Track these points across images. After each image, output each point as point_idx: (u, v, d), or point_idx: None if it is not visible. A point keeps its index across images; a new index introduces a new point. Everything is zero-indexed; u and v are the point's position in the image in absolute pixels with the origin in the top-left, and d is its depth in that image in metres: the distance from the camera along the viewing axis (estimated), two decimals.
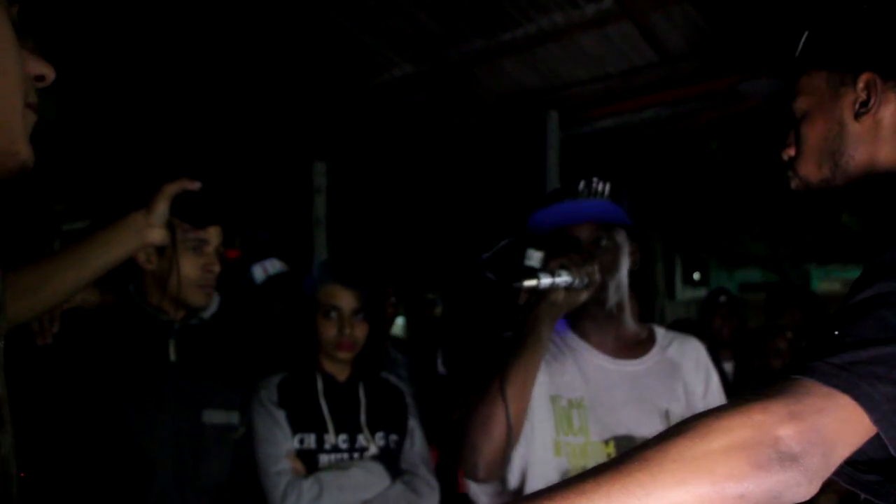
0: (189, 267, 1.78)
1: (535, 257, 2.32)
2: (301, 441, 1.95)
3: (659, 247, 11.11)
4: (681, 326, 3.49)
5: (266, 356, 2.12)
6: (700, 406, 1.73)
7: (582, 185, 1.69)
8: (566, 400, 1.69)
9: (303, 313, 2.03)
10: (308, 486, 1.87)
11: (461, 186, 5.71)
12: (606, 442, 1.66)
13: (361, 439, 1.99)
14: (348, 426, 1.98)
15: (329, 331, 1.99)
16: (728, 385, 3.52)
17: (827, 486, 0.75)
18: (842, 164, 1.12)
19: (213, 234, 1.82)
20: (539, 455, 1.64)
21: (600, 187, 1.69)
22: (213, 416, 1.82)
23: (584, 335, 1.78)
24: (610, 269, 1.67)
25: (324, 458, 1.94)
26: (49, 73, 0.77)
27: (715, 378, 1.81)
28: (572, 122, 4.02)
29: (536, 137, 4.05)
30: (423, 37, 3.65)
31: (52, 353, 1.65)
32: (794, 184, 1.19)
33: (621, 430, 1.67)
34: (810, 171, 1.15)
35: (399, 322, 5.59)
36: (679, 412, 1.70)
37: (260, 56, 3.95)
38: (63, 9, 3.18)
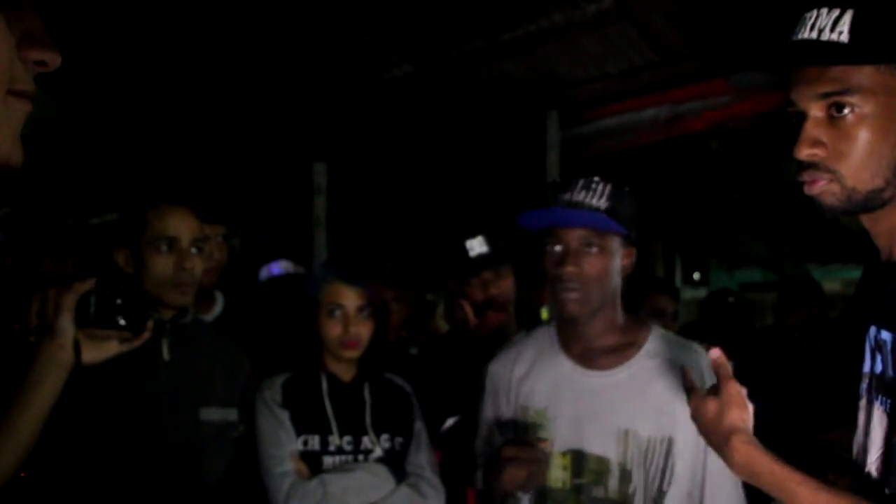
0: (160, 267, 1.73)
1: (475, 246, 2.33)
2: (305, 442, 1.93)
3: (659, 247, 11.10)
4: (688, 329, 3.48)
5: (268, 357, 2.11)
6: (688, 435, 1.52)
7: (580, 184, 1.63)
8: (533, 410, 1.71)
9: (307, 313, 2.01)
10: (312, 488, 1.85)
11: (461, 186, 5.71)
12: (564, 454, 1.65)
13: (366, 441, 1.97)
14: (353, 428, 1.96)
15: (333, 329, 1.97)
16: None
17: (830, 483, 0.75)
18: None
19: (183, 230, 1.76)
20: None
21: (599, 189, 1.63)
22: (211, 414, 1.81)
23: (562, 338, 1.75)
24: (596, 276, 1.61)
25: (328, 460, 1.93)
26: (52, 58, 0.66)
27: None
28: (572, 122, 4.02)
29: (536, 137, 4.05)
30: (423, 37, 3.65)
31: None
32: (823, 187, 1.04)
33: (575, 445, 1.64)
34: (861, 178, 1.01)
35: None
36: (648, 434, 1.60)
37: (260, 56, 3.94)
38: (63, 8, 3.17)
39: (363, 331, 1.98)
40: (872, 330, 1.08)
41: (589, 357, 1.69)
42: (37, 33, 0.66)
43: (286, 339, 2.36)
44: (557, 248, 1.62)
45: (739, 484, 1.60)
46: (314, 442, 1.93)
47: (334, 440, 1.94)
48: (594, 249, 1.61)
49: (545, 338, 1.79)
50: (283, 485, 1.86)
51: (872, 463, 1.06)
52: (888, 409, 1.02)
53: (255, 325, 2.73)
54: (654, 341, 1.70)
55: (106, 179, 5.01)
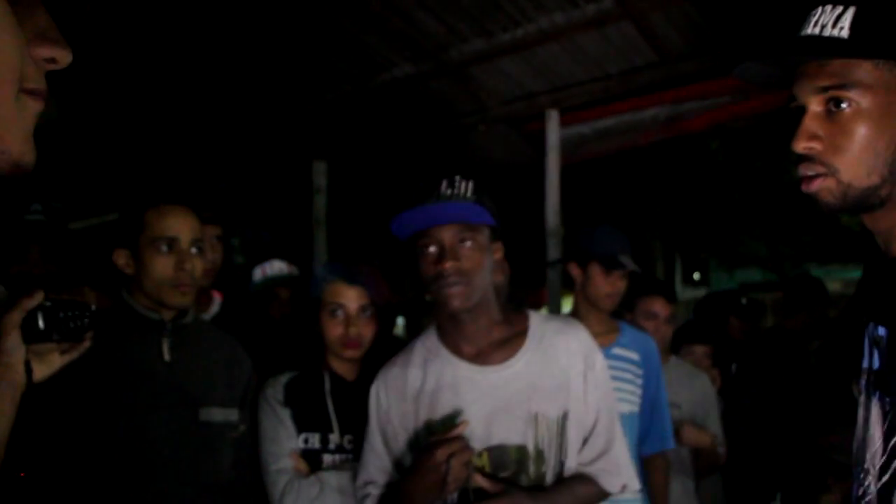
0: (160, 268, 1.73)
1: None
2: (306, 440, 1.94)
3: (659, 247, 11.12)
4: (688, 329, 3.45)
5: (264, 356, 2.11)
6: (580, 404, 1.69)
7: (444, 184, 1.66)
8: (439, 421, 1.70)
9: (309, 313, 2.01)
10: (308, 485, 1.86)
11: None
12: (480, 454, 1.66)
13: None
14: (355, 427, 1.97)
15: (335, 330, 1.97)
16: (729, 384, 3.52)
17: (830, 486, 0.75)
18: None
19: (183, 231, 1.76)
20: None
21: (463, 186, 1.66)
22: (211, 414, 1.80)
23: (449, 342, 1.75)
24: (475, 269, 1.64)
25: (328, 458, 1.93)
26: (62, 55, 0.65)
27: (598, 366, 1.74)
28: (572, 122, 4.02)
29: (536, 137, 4.05)
30: (423, 37, 3.65)
31: None
32: (820, 185, 1.04)
33: (493, 441, 1.66)
34: (857, 174, 1.01)
35: (399, 322, 5.58)
36: (554, 414, 1.67)
37: (261, 56, 3.94)
38: (64, 8, 3.17)
39: (364, 331, 1.98)
40: (871, 326, 1.09)
41: (483, 355, 1.72)
42: (47, 31, 0.65)
43: (284, 338, 2.35)
44: (432, 248, 1.64)
45: (623, 448, 1.76)
46: (314, 440, 1.94)
47: (335, 438, 1.95)
48: (468, 243, 1.64)
49: (428, 347, 1.78)
50: (279, 481, 1.87)
51: (870, 459, 1.06)
52: (886, 406, 1.03)
53: (251, 324, 2.73)
54: (536, 326, 1.76)
55: (106, 179, 5.01)
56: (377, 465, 1.75)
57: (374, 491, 1.74)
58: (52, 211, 2.64)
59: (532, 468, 1.67)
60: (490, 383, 1.69)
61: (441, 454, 1.54)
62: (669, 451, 2.60)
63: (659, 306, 2.81)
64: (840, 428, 2.55)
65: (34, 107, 0.65)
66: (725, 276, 14.13)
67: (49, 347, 1.36)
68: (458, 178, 1.67)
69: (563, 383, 1.69)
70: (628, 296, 2.72)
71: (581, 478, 1.71)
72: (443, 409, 1.70)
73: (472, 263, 1.64)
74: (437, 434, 1.63)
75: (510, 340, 1.73)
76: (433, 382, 1.72)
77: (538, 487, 1.66)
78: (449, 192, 1.65)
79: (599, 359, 1.75)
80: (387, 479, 1.74)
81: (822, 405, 2.96)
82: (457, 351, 1.73)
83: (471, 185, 1.67)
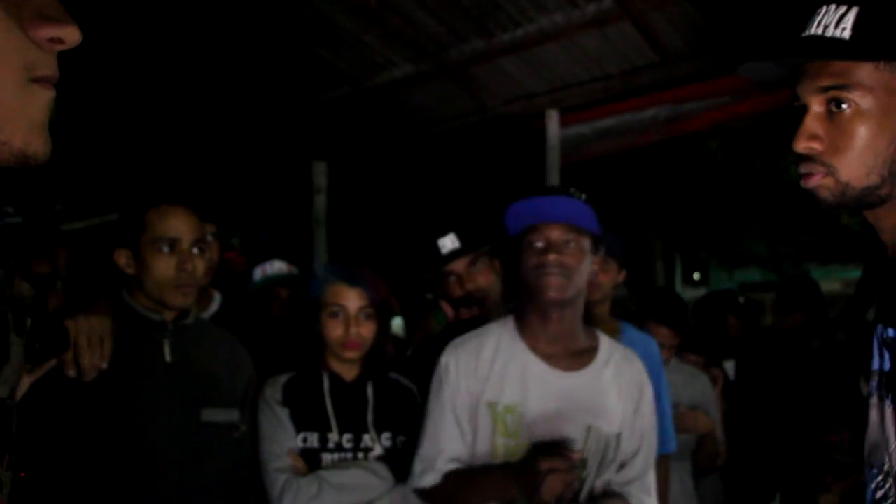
0: (161, 268, 1.73)
1: (447, 244, 2.36)
2: (304, 440, 1.94)
3: (659, 247, 11.11)
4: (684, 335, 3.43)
5: (264, 356, 2.11)
6: (628, 430, 1.82)
7: (558, 189, 1.86)
8: (502, 405, 1.79)
9: (309, 313, 2.02)
10: (306, 484, 1.86)
11: (461, 186, 5.72)
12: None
13: (367, 439, 1.97)
14: (354, 426, 1.96)
15: (335, 330, 1.97)
16: (729, 384, 3.53)
17: (828, 486, 0.75)
18: None
19: (184, 231, 1.75)
20: (481, 458, 1.80)
21: (575, 192, 1.83)
22: (213, 415, 1.80)
23: (527, 336, 1.84)
24: (575, 266, 1.75)
25: (327, 457, 1.93)
26: (68, 33, 0.60)
27: (647, 397, 1.87)
28: (572, 122, 4.02)
29: (536, 137, 4.05)
30: (423, 37, 3.65)
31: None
32: (819, 181, 1.05)
33: (548, 438, 1.76)
34: (856, 174, 1.02)
35: (397, 322, 5.58)
36: (605, 430, 1.79)
37: (260, 56, 3.95)
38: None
39: (365, 331, 1.98)
40: (879, 328, 1.08)
41: (557, 358, 1.82)
42: (47, 10, 0.61)
43: (285, 338, 2.35)
44: (539, 243, 1.77)
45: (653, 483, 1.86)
46: (313, 439, 1.94)
47: (333, 437, 1.95)
48: (572, 244, 1.77)
49: (504, 333, 1.87)
50: (278, 480, 1.87)
51: (889, 461, 1.05)
52: None
53: (251, 324, 2.73)
54: (605, 349, 1.88)
55: (106, 179, 5.01)
56: (448, 434, 1.82)
57: (443, 465, 1.80)
58: (28, 211, 2.61)
59: (577, 473, 1.76)
60: (556, 386, 1.79)
61: (545, 464, 1.61)
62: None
63: (663, 336, 2.76)
64: (840, 427, 2.55)
65: (44, 95, 0.61)
66: (725, 276, 14.14)
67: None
68: (572, 188, 1.84)
69: (619, 406, 1.82)
70: (642, 311, 2.74)
71: (619, 497, 1.81)
72: (506, 397, 1.79)
73: (574, 262, 1.76)
74: (556, 450, 1.70)
75: (583, 353, 1.85)
76: (501, 368, 1.82)
77: (574, 496, 1.76)
78: (561, 190, 1.82)
79: (649, 391, 1.89)
80: (458, 452, 1.80)
81: (823, 405, 2.96)
82: (533, 347, 1.82)
83: (583, 195, 1.83)
